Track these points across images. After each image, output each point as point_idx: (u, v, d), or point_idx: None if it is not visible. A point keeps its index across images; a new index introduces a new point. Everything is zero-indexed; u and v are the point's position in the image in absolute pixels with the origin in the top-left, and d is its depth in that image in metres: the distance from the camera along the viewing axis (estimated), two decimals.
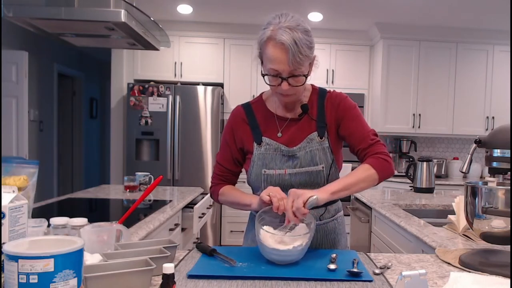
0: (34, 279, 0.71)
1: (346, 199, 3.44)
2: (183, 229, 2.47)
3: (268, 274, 1.06)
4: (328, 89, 1.43)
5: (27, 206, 1.05)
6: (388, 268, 1.14)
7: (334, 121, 1.35)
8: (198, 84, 4.41)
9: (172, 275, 0.87)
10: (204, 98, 4.23)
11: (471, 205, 1.18)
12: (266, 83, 1.27)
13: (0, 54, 3.58)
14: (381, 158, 1.28)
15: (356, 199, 2.91)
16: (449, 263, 1.21)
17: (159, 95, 4.19)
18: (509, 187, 1.11)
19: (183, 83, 4.48)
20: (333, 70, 4.60)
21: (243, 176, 1.45)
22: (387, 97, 4.46)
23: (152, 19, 2.37)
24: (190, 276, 1.05)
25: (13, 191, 1.02)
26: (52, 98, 5.06)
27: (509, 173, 1.24)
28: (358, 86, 4.65)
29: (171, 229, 2.17)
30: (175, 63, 4.51)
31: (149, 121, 4.19)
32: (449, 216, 1.75)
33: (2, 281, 0.75)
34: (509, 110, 4.39)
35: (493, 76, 4.52)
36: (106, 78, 5.45)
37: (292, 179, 1.31)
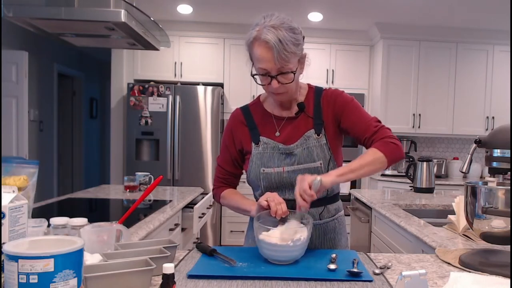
0: (34, 279, 0.71)
1: (346, 199, 3.45)
2: (183, 229, 2.47)
3: (268, 274, 1.06)
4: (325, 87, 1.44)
5: (27, 206, 1.05)
6: (388, 268, 1.14)
7: (331, 117, 1.36)
8: (198, 84, 4.41)
9: (172, 275, 0.88)
10: (204, 98, 4.23)
11: (471, 205, 1.18)
12: (257, 83, 1.29)
13: (0, 54, 3.58)
14: (388, 141, 1.27)
15: (356, 199, 2.91)
16: (449, 263, 1.21)
17: (159, 95, 4.19)
18: (509, 187, 1.11)
19: (183, 83, 4.48)
20: (333, 70, 4.60)
21: (244, 176, 1.46)
22: (387, 97, 4.46)
23: (152, 19, 2.37)
24: (190, 276, 1.05)
25: (13, 191, 1.02)
26: (52, 98, 5.06)
27: (509, 173, 1.24)
28: (358, 86, 4.65)
29: (171, 229, 2.17)
30: (175, 63, 4.51)
31: (149, 121, 4.19)
32: (449, 216, 1.75)
33: (2, 281, 0.75)
34: (509, 110, 4.39)
35: (493, 76, 4.52)
36: (106, 78, 5.45)
37: (290, 176, 1.32)
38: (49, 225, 1.17)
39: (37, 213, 1.87)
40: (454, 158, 4.78)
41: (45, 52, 4.83)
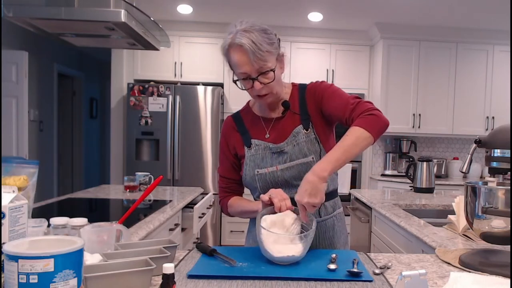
0: (34, 279, 0.71)
1: (346, 199, 3.45)
2: (183, 229, 2.47)
3: (268, 274, 1.06)
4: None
5: (27, 206, 1.05)
6: (388, 268, 1.14)
7: (315, 109, 1.36)
8: (198, 84, 4.41)
9: (172, 275, 0.87)
10: (204, 98, 4.23)
11: (471, 205, 1.18)
12: (240, 88, 1.32)
13: (0, 54, 3.58)
14: (367, 115, 1.21)
15: (356, 199, 2.91)
16: (449, 263, 1.21)
17: (159, 95, 4.19)
18: (509, 187, 1.11)
19: (183, 83, 4.48)
20: (333, 70, 4.60)
21: None
22: (387, 97, 4.46)
23: (152, 19, 2.37)
24: (190, 276, 1.05)
25: (13, 191, 1.02)
26: (52, 98, 5.06)
27: (509, 173, 1.24)
28: (358, 86, 4.65)
29: (171, 229, 2.17)
30: (175, 63, 4.51)
31: (149, 121, 4.19)
32: (449, 216, 1.75)
33: (2, 281, 0.75)
34: (509, 110, 4.39)
35: (493, 76, 4.52)
36: (106, 78, 5.45)
37: (284, 174, 1.34)
38: (49, 225, 1.17)
39: (37, 213, 1.87)
40: (454, 158, 4.78)
41: (45, 52, 4.83)
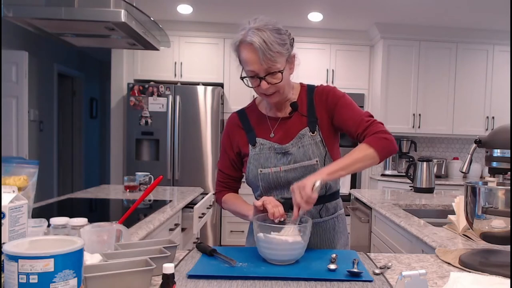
0: (34, 279, 0.71)
1: (346, 199, 3.45)
2: (183, 229, 2.47)
3: (268, 274, 1.06)
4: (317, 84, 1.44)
5: (27, 206, 1.05)
6: (388, 268, 1.14)
7: (325, 113, 1.36)
8: (198, 84, 4.41)
9: (172, 275, 0.88)
10: (204, 98, 4.23)
11: (471, 205, 1.18)
12: (247, 85, 1.31)
13: (0, 54, 3.58)
14: (380, 137, 1.26)
15: (356, 199, 2.91)
16: (449, 263, 1.21)
17: (159, 95, 4.19)
18: (509, 187, 1.11)
19: (183, 83, 4.48)
20: (333, 70, 4.60)
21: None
22: (387, 97, 4.46)
23: (152, 19, 2.37)
24: (190, 276, 1.05)
25: (13, 191, 1.02)
26: (52, 98, 5.06)
27: (509, 173, 1.24)
28: (358, 86, 4.65)
29: (171, 229, 2.17)
30: (175, 63, 4.51)
31: (149, 121, 4.19)
32: (449, 216, 1.75)
33: (2, 281, 0.75)
34: (509, 110, 4.39)
35: (493, 76, 4.52)
36: (106, 78, 5.45)
37: (288, 176, 1.34)
38: (49, 225, 1.17)
39: (37, 213, 1.87)
40: (454, 158, 4.78)
41: (45, 52, 4.83)
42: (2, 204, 0.97)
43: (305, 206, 1.15)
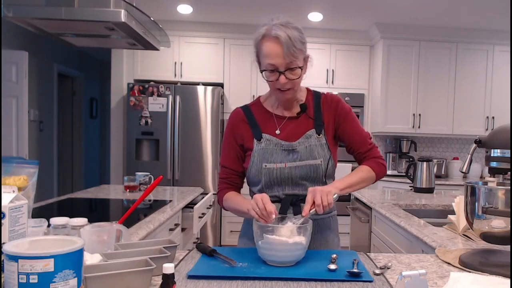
0: (34, 279, 0.71)
1: (346, 199, 3.45)
2: (183, 229, 2.47)
3: (268, 274, 1.06)
4: (326, 90, 1.48)
5: (27, 206, 1.04)
6: (388, 268, 1.14)
7: (332, 121, 1.42)
8: (198, 84, 4.40)
9: (172, 275, 0.88)
10: (204, 98, 4.23)
11: (471, 205, 1.18)
12: (265, 79, 1.33)
13: (0, 54, 3.57)
14: (380, 163, 1.43)
15: (356, 199, 2.91)
16: (449, 263, 1.21)
17: (159, 95, 4.19)
18: (509, 187, 1.11)
19: (183, 83, 4.48)
20: (333, 70, 4.60)
21: None
22: (387, 97, 4.46)
23: (152, 19, 2.37)
24: (190, 277, 1.05)
25: (13, 191, 1.02)
26: (52, 98, 5.06)
27: (509, 173, 1.24)
28: (358, 86, 4.65)
29: (171, 229, 2.17)
30: (175, 63, 4.51)
31: (149, 121, 4.19)
32: (449, 216, 1.75)
33: (2, 281, 0.75)
34: (509, 110, 4.39)
35: (493, 76, 4.52)
36: (106, 78, 5.45)
37: (292, 172, 1.35)
38: (49, 225, 1.17)
39: (37, 213, 1.87)
40: (454, 158, 4.78)
41: (45, 52, 4.83)
42: (2, 204, 0.97)
43: (321, 209, 1.19)
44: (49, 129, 5.01)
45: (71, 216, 1.20)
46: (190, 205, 2.48)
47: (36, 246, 0.80)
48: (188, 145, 4.24)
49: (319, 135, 1.38)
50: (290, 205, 1.36)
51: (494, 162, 1.25)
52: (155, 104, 4.19)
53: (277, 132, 1.39)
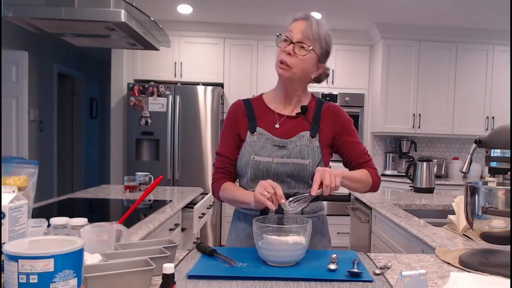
0: (34, 279, 0.71)
1: (346, 199, 3.45)
2: (183, 229, 2.47)
3: (268, 274, 1.06)
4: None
5: (27, 206, 1.04)
6: (388, 268, 1.14)
7: (330, 129, 1.43)
8: (198, 84, 4.41)
9: (172, 275, 0.88)
10: (204, 98, 4.23)
11: (471, 205, 1.18)
12: (276, 44, 1.40)
13: (0, 54, 3.58)
14: (377, 174, 1.46)
15: (356, 199, 2.91)
16: (449, 263, 1.21)
17: (159, 95, 4.19)
18: (509, 187, 1.11)
19: (183, 83, 4.48)
20: (333, 70, 4.60)
21: None
22: (387, 97, 4.46)
23: (152, 19, 2.37)
24: (190, 277, 1.05)
25: (13, 191, 1.02)
26: (52, 98, 5.06)
27: (509, 173, 1.24)
28: (358, 86, 4.65)
29: (171, 229, 2.17)
30: (175, 63, 4.51)
31: (149, 121, 4.19)
32: (449, 216, 1.75)
33: (2, 281, 0.75)
34: (509, 110, 4.39)
35: (493, 76, 4.52)
36: (106, 78, 5.45)
37: (279, 168, 1.36)
38: (49, 225, 1.17)
39: (37, 213, 1.87)
40: (454, 158, 4.78)
41: (45, 52, 4.83)
42: (2, 204, 0.97)
43: (328, 191, 1.19)
44: (49, 129, 5.01)
45: (71, 216, 1.20)
46: (190, 205, 2.48)
47: (36, 246, 0.80)
48: (188, 145, 4.24)
49: (312, 137, 1.39)
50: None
51: (494, 162, 1.25)
52: (155, 104, 4.19)
53: (277, 126, 1.41)
